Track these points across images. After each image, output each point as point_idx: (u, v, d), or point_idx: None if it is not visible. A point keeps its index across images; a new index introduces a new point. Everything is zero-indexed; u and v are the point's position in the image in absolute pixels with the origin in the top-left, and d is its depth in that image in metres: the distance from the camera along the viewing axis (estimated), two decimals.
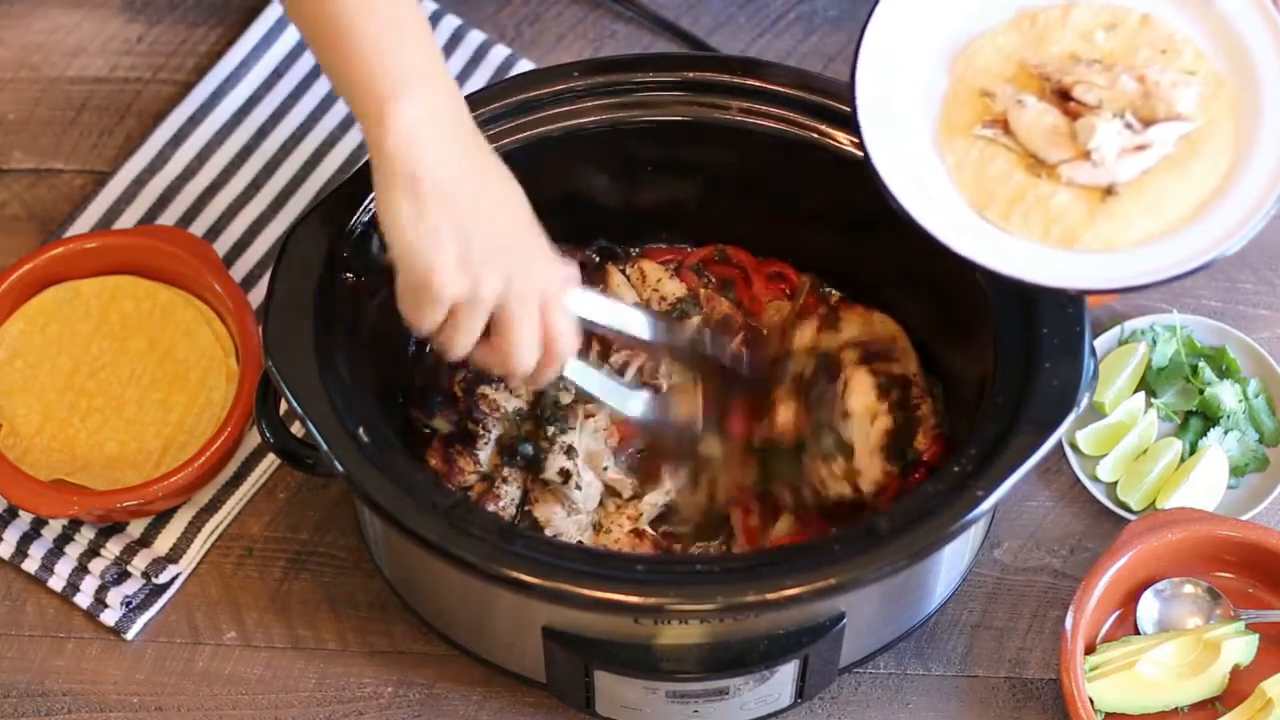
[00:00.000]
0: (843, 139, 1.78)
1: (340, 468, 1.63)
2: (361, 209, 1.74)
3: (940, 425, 1.83)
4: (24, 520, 1.90)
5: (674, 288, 1.89)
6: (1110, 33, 1.70)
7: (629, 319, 1.77)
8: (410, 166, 1.57)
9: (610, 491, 1.82)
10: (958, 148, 1.68)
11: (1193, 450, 1.91)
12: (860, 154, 1.66)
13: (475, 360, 1.65)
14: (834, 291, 1.91)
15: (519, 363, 1.63)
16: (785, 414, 1.82)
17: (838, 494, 1.80)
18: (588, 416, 1.83)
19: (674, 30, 2.13)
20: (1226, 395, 1.91)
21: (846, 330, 1.86)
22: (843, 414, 1.81)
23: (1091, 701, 1.77)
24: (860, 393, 1.81)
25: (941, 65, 1.71)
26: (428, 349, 1.87)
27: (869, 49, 1.69)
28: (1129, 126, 1.64)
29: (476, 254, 1.58)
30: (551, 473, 1.79)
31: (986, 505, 1.62)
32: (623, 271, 1.89)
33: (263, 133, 2.07)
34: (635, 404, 1.79)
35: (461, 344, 1.62)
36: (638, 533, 1.79)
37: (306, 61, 2.11)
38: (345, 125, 2.08)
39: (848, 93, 1.67)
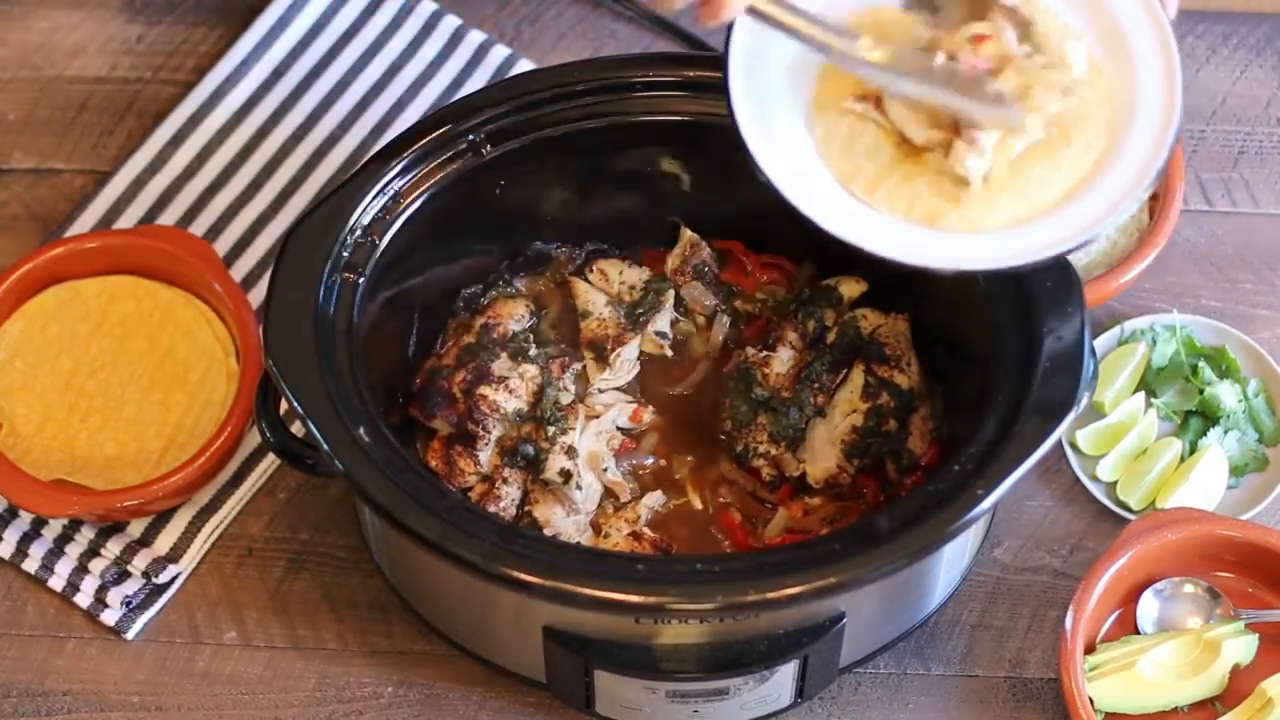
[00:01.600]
0: None
1: (340, 468, 1.63)
2: (361, 209, 1.74)
3: (938, 428, 1.83)
4: (24, 520, 1.90)
5: (635, 274, 1.89)
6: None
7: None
8: None
9: (608, 494, 1.82)
10: (828, 120, 1.66)
11: (1193, 450, 1.91)
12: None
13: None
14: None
15: None
16: (779, 365, 1.83)
17: (775, 466, 1.81)
18: (589, 418, 1.83)
19: (674, 30, 2.13)
20: (1226, 395, 1.91)
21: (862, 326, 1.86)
22: (824, 398, 1.82)
23: (1091, 701, 1.77)
24: (849, 387, 1.82)
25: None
26: (433, 347, 1.87)
27: (742, 25, 1.65)
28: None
29: None
30: (552, 473, 1.79)
31: (986, 505, 1.62)
32: (585, 279, 1.90)
33: (263, 133, 2.08)
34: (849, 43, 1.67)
35: None
36: (636, 535, 1.79)
37: (306, 61, 2.11)
38: (345, 125, 2.08)
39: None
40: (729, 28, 1.64)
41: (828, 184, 1.64)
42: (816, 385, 1.83)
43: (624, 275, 1.89)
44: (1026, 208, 1.63)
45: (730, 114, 1.63)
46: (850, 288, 1.88)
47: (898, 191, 1.63)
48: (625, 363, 1.85)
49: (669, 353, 1.88)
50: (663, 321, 1.88)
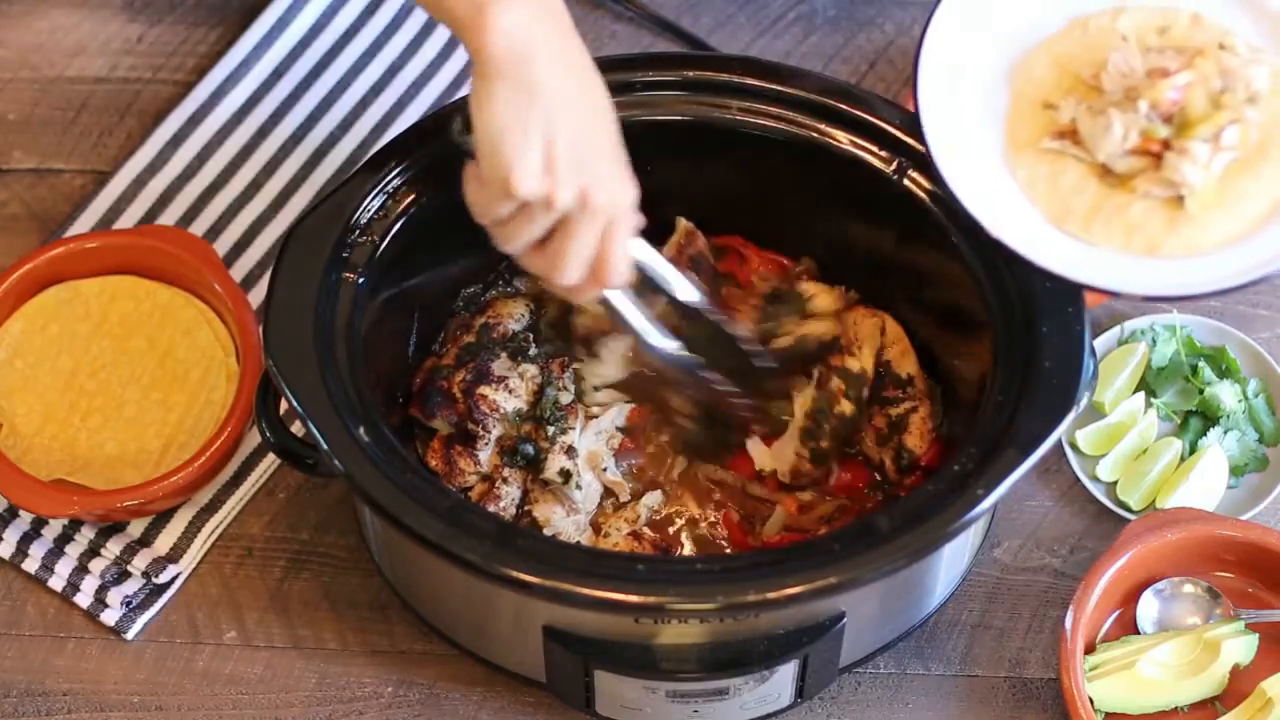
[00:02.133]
0: (842, 138, 1.78)
1: (340, 468, 1.63)
2: (361, 209, 1.74)
3: (938, 427, 1.83)
4: (24, 520, 1.90)
5: None
6: (1163, 35, 1.70)
7: (676, 279, 1.76)
8: (513, 62, 1.55)
9: (608, 494, 1.81)
10: (1026, 162, 1.69)
11: (1192, 450, 1.91)
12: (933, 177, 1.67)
13: (522, 259, 1.64)
14: (839, 286, 1.91)
15: (565, 274, 1.62)
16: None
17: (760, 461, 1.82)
18: (589, 418, 1.83)
19: (674, 30, 2.13)
20: (1226, 395, 1.91)
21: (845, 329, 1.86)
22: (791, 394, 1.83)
23: (1091, 701, 1.77)
24: (809, 387, 1.82)
25: (999, 80, 1.72)
26: (433, 346, 1.87)
27: (927, 69, 1.69)
28: (1206, 140, 1.65)
29: (562, 160, 1.57)
30: (551, 473, 1.79)
31: (986, 504, 1.62)
32: None
33: (263, 133, 2.08)
34: (666, 343, 1.78)
35: (520, 241, 1.62)
36: (636, 535, 1.79)
37: (306, 61, 2.11)
38: (345, 125, 2.08)
39: (869, 103, 1.69)
40: (914, 80, 1.69)
41: (1041, 226, 1.67)
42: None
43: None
44: (1238, 223, 1.65)
45: (934, 174, 1.67)
46: (823, 301, 1.87)
47: (1113, 223, 1.66)
48: (614, 354, 1.85)
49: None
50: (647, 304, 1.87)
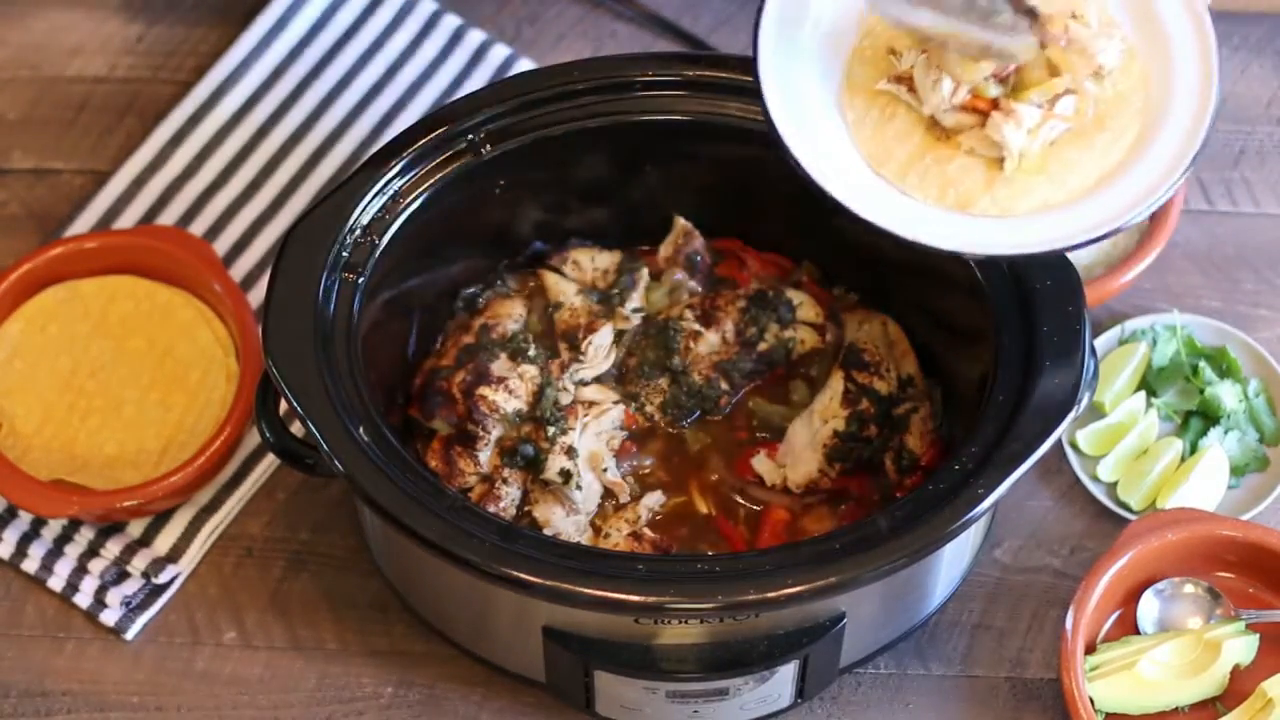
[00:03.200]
0: None
1: (340, 468, 1.63)
2: (361, 209, 1.74)
3: (938, 428, 1.83)
4: (24, 520, 1.90)
5: (608, 259, 1.89)
6: None
7: None
8: None
9: (608, 494, 1.81)
10: (858, 104, 1.65)
11: (1193, 450, 1.91)
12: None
13: None
14: (838, 289, 1.91)
15: None
16: (704, 346, 1.84)
17: (765, 475, 1.81)
18: (588, 416, 1.83)
19: (674, 30, 2.13)
20: (1227, 395, 1.91)
21: (847, 331, 1.86)
22: (727, 399, 1.83)
23: (1092, 701, 1.77)
24: (828, 393, 1.81)
25: (851, 20, 1.68)
26: (432, 347, 1.87)
27: (773, 2, 1.65)
28: (1038, 105, 1.62)
29: None
30: (552, 473, 1.79)
31: (986, 504, 1.62)
32: (559, 271, 1.89)
33: (263, 133, 2.07)
34: None
35: None
36: (636, 535, 1.79)
37: (306, 61, 2.11)
38: (345, 125, 2.08)
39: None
40: (758, 9, 1.64)
41: (858, 168, 1.64)
42: (728, 387, 1.83)
43: (596, 261, 1.89)
44: (1059, 192, 1.62)
45: (760, 97, 1.62)
46: (807, 311, 1.87)
47: (929, 175, 1.63)
48: (598, 350, 1.85)
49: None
50: (637, 299, 1.87)
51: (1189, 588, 1.84)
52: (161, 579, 1.87)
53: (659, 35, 2.14)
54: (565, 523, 1.79)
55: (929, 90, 1.63)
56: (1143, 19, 1.67)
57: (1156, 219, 1.95)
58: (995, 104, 1.61)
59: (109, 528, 1.89)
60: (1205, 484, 1.88)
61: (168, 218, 2.03)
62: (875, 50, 1.67)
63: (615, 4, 2.14)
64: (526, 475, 1.81)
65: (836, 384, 1.82)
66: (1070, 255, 1.67)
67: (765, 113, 1.62)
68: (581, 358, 1.85)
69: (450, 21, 2.13)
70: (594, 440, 1.82)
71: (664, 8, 2.14)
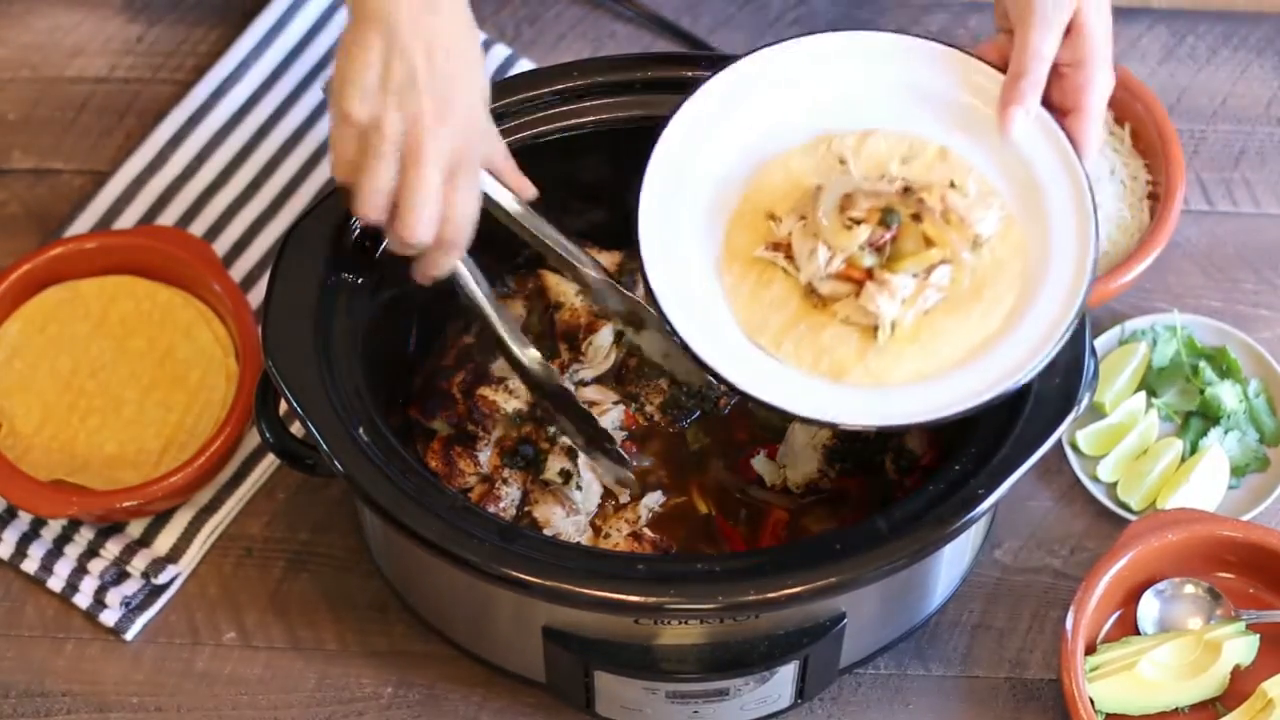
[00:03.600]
0: None
1: (340, 468, 1.63)
2: None
3: (937, 428, 1.83)
4: (23, 520, 1.90)
5: (608, 258, 1.89)
6: (905, 164, 1.66)
7: (535, 219, 1.73)
8: (378, 5, 1.54)
9: (608, 494, 1.81)
10: (736, 269, 1.65)
11: (1193, 450, 1.91)
12: None
13: (387, 235, 1.60)
14: None
15: (411, 229, 1.57)
16: None
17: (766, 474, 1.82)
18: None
19: (674, 30, 2.13)
20: (1227, 395, 1.91)
21: None
22: (726, 400, 1.83)
23: (1092, 702, 1.77)
24: None
25: (733, 185, 1.68)
26: (432, 347, 1.87)
27: (658, 165, 1.66)
28: (914, 276, 1.61)
29: (395, 83, 1.54)
30: (552, 473, 1.79)
31: (986, 504, 1.62)
32: (559, 271, 1.89)
33: (263, 133, 2.07)
34: (524, 350, 1.75)
35: (367, 189, 1.56)
36: (636, 536, 1.79)
37: (306, 61, 2.11)
38: None
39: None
40: (641, 173, 1.65)
41: (734, 336, 1.63)
42: (727, 388, 1.83)
43: (597, 260, 1.89)
44: (931, 362, 1.61)
45: (640, 263, 1.63)
46: None
47: (803, 343, 1.62)
48: (598, 350, 1.85)
49: None
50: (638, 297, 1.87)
51: (1189, 588, 1.84)
52: (161, 579, 1.87)
53: (659, 35, 2.14)
54: (565, 523, 1.79)
55: (805, 258, 1.62)
56: (1022, 184, 1.66)
57: (1157, 219, 1.95)
58: (870, 274, 1.61)
59: (109, 528, 1.89)
60: (1205, 484, 1.88)
61: (168, 218, 2.03)
62: (755, 215, 1.66)
63: (615, 4, 2.14)
64: (526, 475, 1.81)
65: None
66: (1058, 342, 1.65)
67: (644, 279, 1.62)
68: (581, 358, 1.85)
69: None
70: None
71: (664, 8, 2.14)
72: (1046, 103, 1.67)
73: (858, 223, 1.61)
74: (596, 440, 1.77)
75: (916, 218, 1.61)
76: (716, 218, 1.67)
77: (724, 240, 1.67)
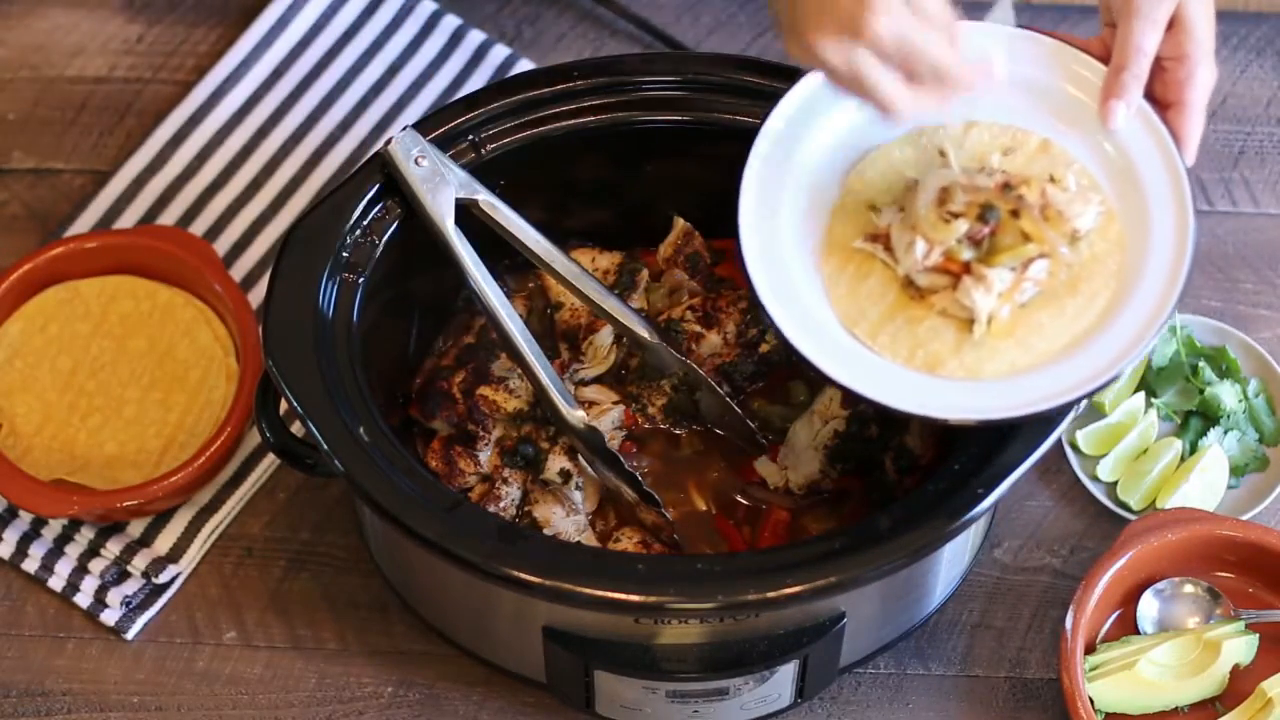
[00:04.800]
0: None
1: (340, 468, 1.63)
2: (361, 209, 1.74)
3: (939, 428, 1.83)
4: (24, 520, 1.90)
5: (608, 260, 1.89)
6: (1007, 156, 1.66)
7: (587, 279, 1.78)
8: None
9: (609, 494, 1.81)
10: (835, 260, 1.65)
11: (1193, 450, 1.91)
12: None
13: (879, 88, 1.56)
14: None
15: (931, 57, 1.54)
16: (706, 348, 1.84)
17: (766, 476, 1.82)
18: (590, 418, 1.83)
19: (665, 40, 2.12)
20: (1227, 395, 1.91)
21: None
22: (803, 405, 1.83)
23: (1091, 701, 1.77)
24: (828, 394, 1.81)
25: (833, 176, 1.68)
26: (433, 347, 1.87)
27: (758, 156, 1.65)
28: (1011, 270, 1.61)
29: None
30: (552, 473, 1.79)
31: (986, 504, 1.62)
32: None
33: (263, 133, 2.08)
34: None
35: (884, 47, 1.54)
36: (645, 544, 1.78)
37: (306, 61, 2.11)
38: (345, 125, 2.08)
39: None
40: (745, 157, 1.65)
41: (832, 326, 1.63)
42: (729, 391, 1.83)
43: (597, 261, 1.89)
44: (1027, 356, 1.61)
45: (738, 250, 1.63)
46: None
47: (900, 336, 1.62)
48: (599, 350, 1.85)
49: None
50: (637, 300, 1.87)
51: (1189, 588, 1.84)
52: (162, 579, 1.87)
53: (655, 42, 2.14)
54: (565, 523, 1.79)
55: (903, 251, 1.62)
56: (1122, 179, 1.66)
57: None
58: (967, 267, 1.61)
59: (109, 527, 1.89)
60: (1205, 484, 1.88)
61: (168, 218, 2.03)
62: (855, 206, 1.66)
63: (606, 10, 2.14)
64: (526, 475, 1.81)
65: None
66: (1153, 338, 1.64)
67: (743, 270, 1.62)
68: (582, 358, 1.85)
69: (450, 22, 2.13)
70: None
71: (664, 8, 2.14)
72: (1149, 96, 1.66)
73: (956, 216, 1.60)
74: (640, 498, 1.78)
75: (1015, 213, 1.61)
76: (815, 209, 1.67)
77: (824, 231, 1.66)
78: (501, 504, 1.79)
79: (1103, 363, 1.60)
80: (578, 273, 1.78)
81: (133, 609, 1.86)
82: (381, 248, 1.75)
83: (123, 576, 1.87)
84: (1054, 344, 1.62)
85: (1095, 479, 1.90)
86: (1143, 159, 1.66)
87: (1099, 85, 1.67)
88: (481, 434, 1.81)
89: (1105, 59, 1.67)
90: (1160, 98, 1.67)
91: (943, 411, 1.59)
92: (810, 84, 1.66)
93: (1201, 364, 1.93)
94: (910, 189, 1.64)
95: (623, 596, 1.59)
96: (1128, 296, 1.63)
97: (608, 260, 1.89)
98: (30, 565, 1.88)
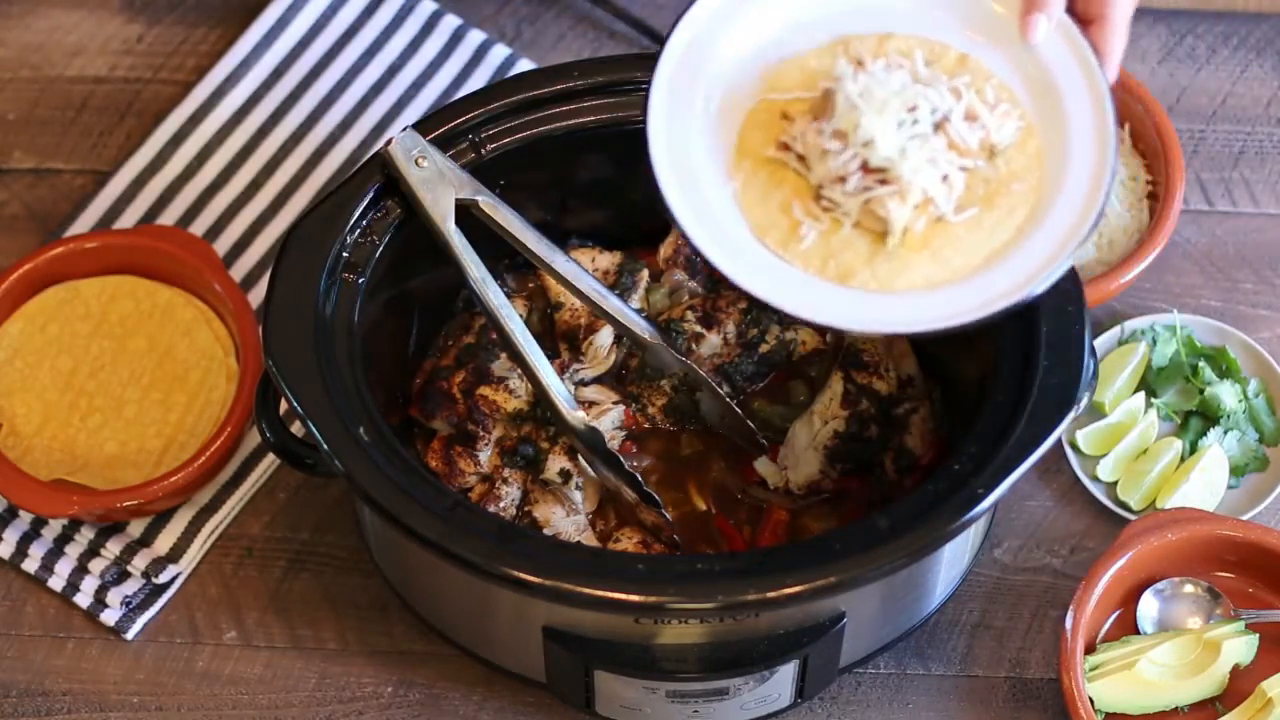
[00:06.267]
0: None
1: (340, 468, 1.63)
2: (362, 209, 1.74)
3: (938, 428, 1.83)
4: (24, 520, 1.90)
5: (608, 260, 1.89)
6: (926, 68, 1.63)
7: (587, 279, 1.78)
8: None
9: (609, 494, 1.81)
10: (746, 168, 1.63)
11: (1193, 450, 1.91)
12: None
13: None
14: None
15: None
16: (706, 348, 1.84)
17: (766, 475, 1.82)
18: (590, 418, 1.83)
19: (662, 43, 2.12)
20: (1226, 395, 1.91)
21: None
22: (803, 405, 1.83)
23: (1091, 701, 1.77)
24: (828, 394, 1.81)
25: (746, 86, 1.65)
26: (433, 346, 1.87)
27: (667, 64, 1.63)
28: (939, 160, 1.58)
29: None
30: (552, 473, 1.79)
31: (986, 504, 1.62)
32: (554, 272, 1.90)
33: (263, 133, 2.08)
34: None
35: None
36: (645, 544, 1.78)
37: (306, 61, 2.11)
38: (345, 125, 2.08)
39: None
40: (652, 69, 1.62)
41: (743, 234, 1.61)
42: (729, 391, 1.83)
43: (597, 262, 1.89)
44: (942, 271, 1.59)
45: (648, 161, 1.60)
46: None
47: (812, 247, 1.60)
48: (599, 350, 1.85)
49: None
50: (637, 300, 1.87)
51: (1189, 588, 1.84)
52: (162, 579, 1.87)
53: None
54: (565, 523, 1.79)
55: (817, 159, 1.60)
56: (1042, 94, 1.64)
57: (1156, 219, 1.95)
58: (883, 177, 1.58)
59: (109, 527, 1.89)
60: (1205, 484, 1.88)
61: (168, 218, 2.03)
62: (769, 115, 1.64)
63: (603, 11, 2.14)
64: (526, 475, 1.81)
65: (836, 385, 1.82)
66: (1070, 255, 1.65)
67: (653, 178, 1.60)
68: (582, 358, 1.85)
69: (450, 21, 2.13)
70: None
71: (665, 8, 2.14)
72: (1070, 11, 1.65)
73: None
74: (640, 499, 1.77)
75: (938, 126, 1.59)
76: (728, 119, 1.64)
77: (736, 140, 1.64)
78: (501, 504, 1.79)
79: (1018, 280, 1.58)
80: (578, 273, 1.78)
81: (133, 609, 1.86)
82: (381, 248, 1.75)
83: (123, 576, 1.87)
84: (970, 259, 1.60)
85: (1095, 479, 1.90)
86: (1063, 75, 1.64)
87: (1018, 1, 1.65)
88: (481, 434, 1.81)
89: None
90: (1082, 14, 1.65)
91: (851, 323, 1.57)
92: (706, 3, 1.64)
93: (1201, 364, 1.93)
94: (826, 97, 1.61)
95: (623, 596, 1.60)
96: (1045, 213, 1.61)
97: (608, 260, 1.89)
98: (30, 565, 1.88)
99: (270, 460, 1.92)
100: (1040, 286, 1.58)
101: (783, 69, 1.66)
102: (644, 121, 1.62)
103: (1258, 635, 1.82)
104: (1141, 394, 1.93)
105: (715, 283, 1.90)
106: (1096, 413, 1.92)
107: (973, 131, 1.60)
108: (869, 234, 1.60)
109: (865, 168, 1.59)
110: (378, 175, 1.75)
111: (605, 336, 1.85)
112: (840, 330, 1.58)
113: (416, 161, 1.74)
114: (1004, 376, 1.68)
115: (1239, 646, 1.81)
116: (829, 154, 1.59)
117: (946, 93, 1.60)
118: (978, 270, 1.60)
